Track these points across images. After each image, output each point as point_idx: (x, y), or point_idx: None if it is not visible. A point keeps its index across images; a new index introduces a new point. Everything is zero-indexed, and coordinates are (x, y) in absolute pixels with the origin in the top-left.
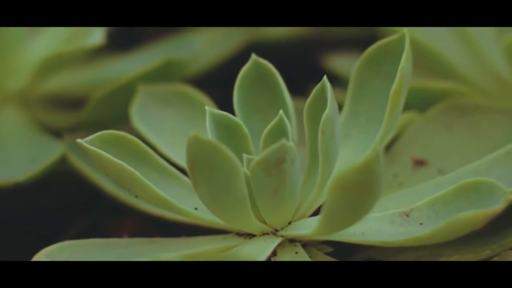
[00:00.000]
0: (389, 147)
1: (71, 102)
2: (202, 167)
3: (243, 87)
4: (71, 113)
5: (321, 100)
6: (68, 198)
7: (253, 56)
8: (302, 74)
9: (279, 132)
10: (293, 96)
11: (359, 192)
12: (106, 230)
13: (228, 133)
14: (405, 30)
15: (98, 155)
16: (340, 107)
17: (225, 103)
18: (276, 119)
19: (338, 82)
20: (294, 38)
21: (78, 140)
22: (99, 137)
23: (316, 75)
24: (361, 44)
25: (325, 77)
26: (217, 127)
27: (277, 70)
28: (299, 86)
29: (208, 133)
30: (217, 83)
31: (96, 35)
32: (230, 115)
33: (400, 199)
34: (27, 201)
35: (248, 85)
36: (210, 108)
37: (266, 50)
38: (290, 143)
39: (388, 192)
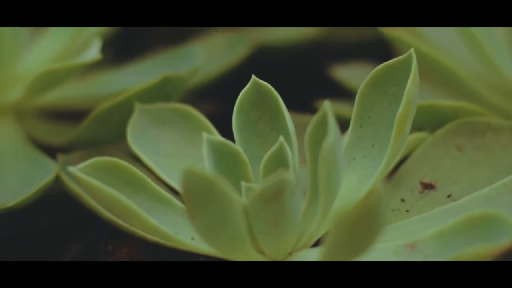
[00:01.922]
0: (397, 168)
1: (68, 116)
2: (198, 200)
3: (242, 110)
4: (67, 128)
5: (323, 126)
6: (61, 220)
7: (253, 78)
8: (308, 85)
9: (280, 159)
10: (299, 111)
11: (360, 228)
12: (100, 256)
13: (227, 160)
14: (412, 50)
15: (90, 185)
16: (347, 122)
17: (227, 116)
18: (276, 145)
19: (345, 94)
20: (300, 47)
21: (70, 168)
22: (92, 164)
23: (323, 86)
24: (369, 50)
25: (326, 102)
26: (215, 155)
27: (283, 82)
28: (305, 99)
29: (206, 161)
30: (219, 95)
31: (92, 49)
32: (229, 142)
33: (406, 227)
34: (19, 223)
35: (247, 108)
36: (208, 135)
37: (271, 59)
38: (290, 175)
39: (394, 220)
